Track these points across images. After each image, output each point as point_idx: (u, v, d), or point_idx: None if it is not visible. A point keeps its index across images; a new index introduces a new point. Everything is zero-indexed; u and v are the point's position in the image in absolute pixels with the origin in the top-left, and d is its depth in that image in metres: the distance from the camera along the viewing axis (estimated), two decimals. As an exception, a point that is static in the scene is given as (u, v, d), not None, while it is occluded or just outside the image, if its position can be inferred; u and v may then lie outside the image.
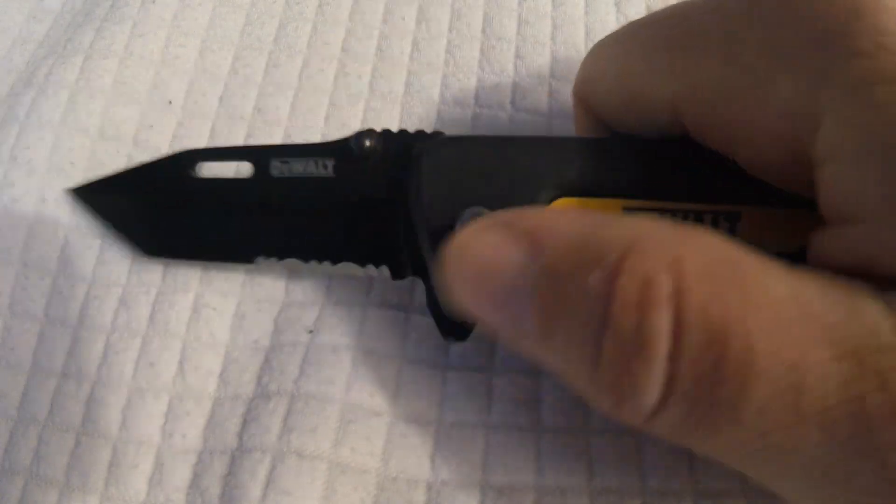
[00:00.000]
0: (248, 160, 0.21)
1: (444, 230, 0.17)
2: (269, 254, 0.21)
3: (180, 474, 0.19)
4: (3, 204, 0.22)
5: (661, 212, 0.17)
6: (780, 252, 0.14)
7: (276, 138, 0.25)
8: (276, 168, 0.20)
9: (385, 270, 0.20)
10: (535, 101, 0.26)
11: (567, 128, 0.25)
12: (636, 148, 0.18)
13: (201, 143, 0.25)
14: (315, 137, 0.25)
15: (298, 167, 0.20)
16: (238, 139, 0.25)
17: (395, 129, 0.23)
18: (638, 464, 0.20)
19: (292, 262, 0.21)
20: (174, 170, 0.21)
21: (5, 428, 0.20)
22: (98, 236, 0.23)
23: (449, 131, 0.25)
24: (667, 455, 0.20)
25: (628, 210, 0.17)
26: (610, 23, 0.27)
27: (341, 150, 0.20)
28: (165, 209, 0.22)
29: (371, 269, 0.20)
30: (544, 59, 0.26)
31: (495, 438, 0.20)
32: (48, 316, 0.21)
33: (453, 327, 0.19)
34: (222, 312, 0.22)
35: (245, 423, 0.20)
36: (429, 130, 0.21)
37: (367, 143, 0.20)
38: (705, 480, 0.19)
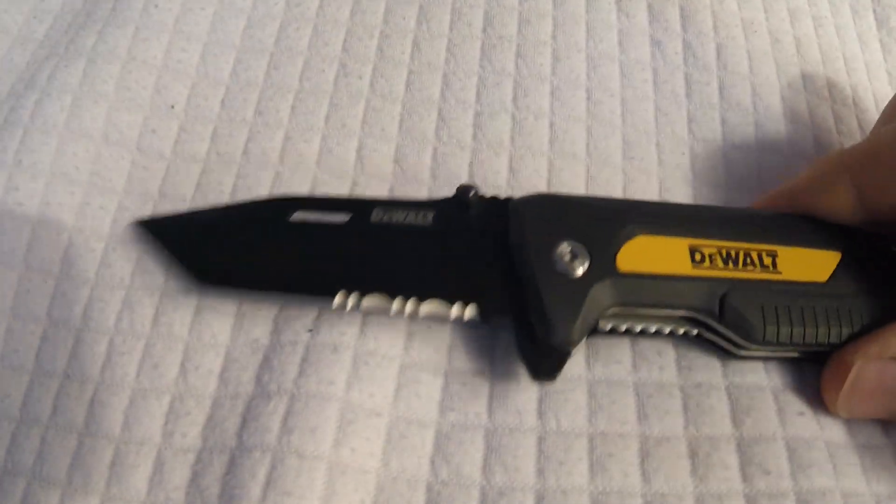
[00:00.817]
0: (348, 211, 0.21)
1: (543, 262, 0.20)
2: (351, 288, 0.20)
3: (180, 474, 0.19)
4: (7, 207, 0.23)
5: (720, 248, 0.21)
6: (812, 281, 0.21)
7: (276, 141, 0.25)
8: (377, 215, 0.21)
9: (474, 310, 0.20)
10: (537, 101, 0.26)
11: (568, 127, 0.25)
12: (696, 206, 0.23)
13: (203, 147, 0.25)
14: (315, 139, 0.25)
15: (399, 216, 0.21)
16: (239, 143, 0.25)
17: (395, 128, 0.24)
18: (640, 465, 0.20)
19: (375, 298, 0.20)
20: (269, 214, 0.22)
21: (7, 429, 0.20)
22: (101, 239, 0.23)
23: (450, 131, 0.25)
24: (669, 456, 0.20)
25: (693, 247, 0.21)
26: (611, 21, 0.27)
27: (441, 204, 0.22)
28: (246, 243, 0.21)
29: (459, 308, 0.20)
30: (545, 59, 0.26)
31: (495, 439, 0.20)
32: (51, 318, 0.22)
33: (544, 367, 0.19)
34: (223, 313, 0.22)
35: (244, 423, 0.20)
36: (430, 133, 0.24)
37: (472, 194, 0.21)
38: (706, 482, 0.19)
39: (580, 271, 0.20)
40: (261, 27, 0.27)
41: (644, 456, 0.20)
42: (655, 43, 0.27)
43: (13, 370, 0.21)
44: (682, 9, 0.28)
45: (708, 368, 0.21)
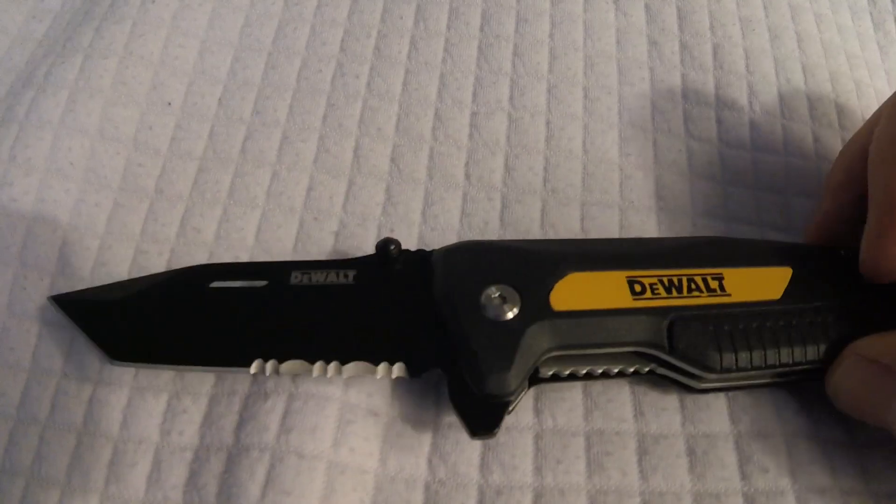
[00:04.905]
0: (266, 277, 0.20)
1: (471, 309, 0.18)
2: (267, 357, 0.19)
3: (177, 472, 0.19)
4: (1, 203, 0.22)
5: (661, 277, 0.19)
6: (765, 300, 0.19)
7: (273, 141, 0.25)
8: (296, 277, 0.20)
9: (401, 367, 0.19)
10: (533, 99, 0.26)
11: (565, 124, 0.25)
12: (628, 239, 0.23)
13: (200, 145, 0.24)
14: (313, 138, 0.25)
15: (319, 277, 0.20)
16: (236, 142, 0.25)
17: (392, 128, 0.24)
18: (637, 464, 0.20)
19: (294, 364, 0.19)
20: (187, 283, 0.21)
21: (5, 428, 0.20)
22: (97, 237, 0.23)
23: (447, 131, 0.25)
24: (666, 454, 0.20)
25: (632, 279, 0.19)
26: (609, 20, 0.27)
27: (362, 262, 0.21)
28: (161, 314, 0.20)
29: (385, 367, 0.19)
30: (542, 57, 0.26)
31: (493, 439, 0.20)
32: (47, 316, 0.21)
33: (481, 422, 0.18)
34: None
35: (242, 421, 0.20)
36: (427, 132, 0.24)
37: (392, 248, 0.20)
38: (704, 480, 0.19)
39: (511, 314, 0.18)
40: (259, 26, 0.27)
41: (642, 454, 0.20)
42: (652, 42, 0.27)
43: (9, 368, 0.21)
44: (679, 9, 0.28)
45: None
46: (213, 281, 0.21)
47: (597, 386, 0.21)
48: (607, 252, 0.20)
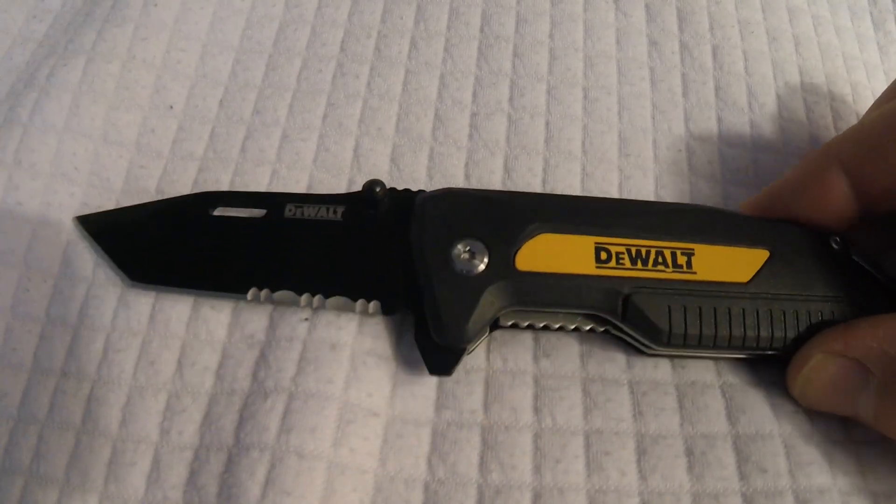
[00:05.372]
0: (264, 206, 0.22)
1: (440, 261, 0.20)
2: (262, 286, 0.21)
3: (177, 471, 0.19)
4: (7, 207, 0.23)
5: (629, 246, 0.20)
6: (731, 281, 0.20)
7: (273, 140, 0.25)
8: (290, 210, 0.22)
9: (376, 305, 0.21)
10: (533, 100, 0.26)
11: (564, 125, 0.25)
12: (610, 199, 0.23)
13: (200, 146, 0.25)
14: (313, 138, 0.25)
15: (310, 211, 0.22)
16: (236, 142, 0.25)
17: (392, 128, 0.25)
18: (636, 464, 0.20)
19: (285, 294, 0.21)
20: (193, 209, 0.22)
21: (5, 427, 0.20)
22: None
23: (447, 131, 0.25)
24: (665, 454, 0.20)
25: (599, 246, 0.20)
26: (609, 21, 0.27)
27: (351, 200, 0.22)
28: (172, 240, 0.22)
29: (362, 303, 0.21)
30: (542, 58, 0.26)
31: (491, 437, 0.20)
32: (49, 316, 0.22)
33: (440, 363, 0.20)
34: (220, 310, 0.22)
35: (242, 420, 0.20)
36: (427, 133, 0.25)
37: (378, 189, 0.21)
38: (703, 480, 0.19)
39: (477, 270, 0.20)
40: (259, 28, 0.27)
41: (640, 454, 0.20)
42: (653, 43, 0.27)
43: (11, 368, 0.21)
44: (678, 10, 0.28)
45: (702, 367, 0.21)
46: (216, 207, 0.22)
47: (596, 385, 0.21)
48: (583, 213, 0.21)
